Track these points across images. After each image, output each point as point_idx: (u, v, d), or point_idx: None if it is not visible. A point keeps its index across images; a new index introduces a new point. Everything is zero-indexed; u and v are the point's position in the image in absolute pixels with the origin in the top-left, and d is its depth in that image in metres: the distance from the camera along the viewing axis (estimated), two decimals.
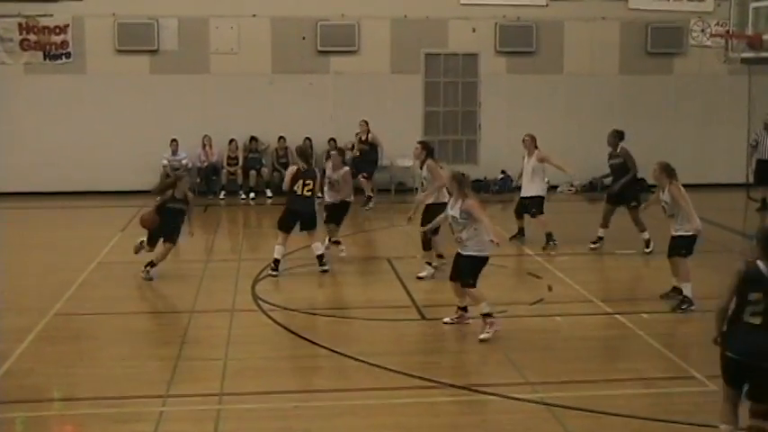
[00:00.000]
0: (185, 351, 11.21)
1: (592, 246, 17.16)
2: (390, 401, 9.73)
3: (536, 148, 17.61)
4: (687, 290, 12.99)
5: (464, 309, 12.22)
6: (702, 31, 25.81)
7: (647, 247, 16.79)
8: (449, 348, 11.88)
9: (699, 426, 8.95)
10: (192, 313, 13.01)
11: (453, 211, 11.73)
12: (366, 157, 23.53)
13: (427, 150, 15.02)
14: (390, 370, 10.59)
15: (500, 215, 22.39)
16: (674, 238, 13.21)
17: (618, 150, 17.13)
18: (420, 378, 10.31)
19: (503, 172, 24.95)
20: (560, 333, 12.17)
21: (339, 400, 9.70)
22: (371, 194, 22.56)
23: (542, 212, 17.53)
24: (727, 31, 20.44)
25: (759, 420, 7.93)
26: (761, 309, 7.61)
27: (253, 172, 24.46)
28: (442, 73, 25.65)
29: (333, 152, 16.20)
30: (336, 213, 16.39)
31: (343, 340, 11.77)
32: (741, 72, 24.20)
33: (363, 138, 23.49)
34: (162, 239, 15.05)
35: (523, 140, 17.86)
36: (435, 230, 14.26)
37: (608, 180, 18.30)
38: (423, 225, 14.34)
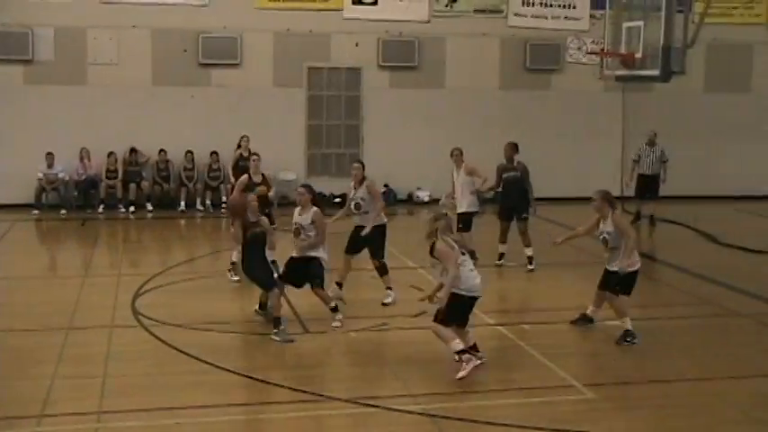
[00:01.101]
0: (61, 369, 10.87)
1: (497, 263, 17.11)
2: (274, 416, 9.69)
3: (463, 161, 17.05)
4: (628, 323, 12.18)
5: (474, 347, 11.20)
6: (579, 48, 26.29)
7: (530, 263, 16.91)
8: (332, 362, 11.87)
9: None
10: (68, 330, 12.65)
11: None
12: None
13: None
14: (274, 384, 10.49)
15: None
16: (611, 273, 12.33)
17: (515, 164, 17.16)
18: (304, 392, 10.23)
19: (386, 185, 24.94)
20: (442, 345, 12.17)
21: (222, 416, 9.55)
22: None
23: (469, 230, 16.86)
24: (602, 50, 20.77)
25: None
26: None
27: (132, 185, 23.98)
28: (325, 87, 25.61)
29: (300, 188, 13.39)
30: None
31: (225, 355, 11.58)
32: (615, 89, 24.78)
33: (245, 154, 22.82)
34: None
35: (452, 154, 17.13)
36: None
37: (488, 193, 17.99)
38: (377, 249, 14.11)
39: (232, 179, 21.12)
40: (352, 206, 14.22)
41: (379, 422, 9.63)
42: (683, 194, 24.32)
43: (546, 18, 26.49)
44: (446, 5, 25.82)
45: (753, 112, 27.23)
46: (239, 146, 22.20)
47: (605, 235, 12.15)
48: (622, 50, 19.53)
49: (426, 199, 24.58)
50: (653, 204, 22.34)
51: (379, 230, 14.08)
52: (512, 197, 17.07)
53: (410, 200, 25.10)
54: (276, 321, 12.16)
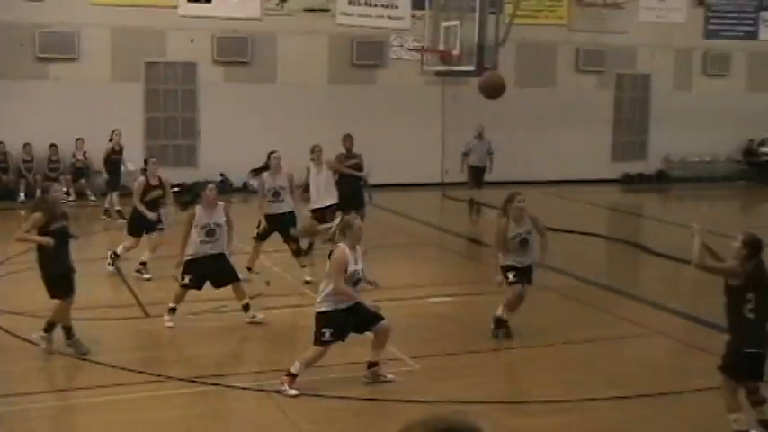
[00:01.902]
0: None
1: None
2: (119, 398, 9.63)
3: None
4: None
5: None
6: (401, 46, 26.69)
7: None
8: (174, 343, 11.86)
9: (405, 401, 9.36)
10: None
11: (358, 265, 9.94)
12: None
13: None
14: (118, 367, 10.43)
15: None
16: (530, 267, 11.77)
17: (354, 151, 17.33)
18: (147, 373, 10.21)
19: (222, 174, 24.89)
20: (277, 324, 12.31)
21: (66, 400, 9.47)
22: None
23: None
24: (423, 47, 21.19)
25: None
26: None
27: None
28: (162, 81, 25.31)
29: (210, 186, 12.68)
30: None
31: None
32: (435, 83, 25.22)
33: (117, 148, 21.57)
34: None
35: (313, 150, 16.39)
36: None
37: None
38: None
39: (105, 174, 20.92)
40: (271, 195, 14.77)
41: (222, 399, 9.73)
42: (500, 180, 24.80)
43: (371, 17, 26.78)
44: (277, 4, 25.84)
45: (557, 105, 28.24)
46: (111, 139, 21.39)
47: (524, 236, 11.50)
48: (441, 48, 19.99)
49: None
50: (480, 192, 22.34)
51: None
52: (352, 186, 17.10)
53: (245, 188, 25.07)
54: (51, 326, 10.88)
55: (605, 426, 9.24)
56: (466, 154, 22.42)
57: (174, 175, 24.30)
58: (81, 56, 24.26)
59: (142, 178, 15.42)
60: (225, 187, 24.73)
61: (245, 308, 12.28)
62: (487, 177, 22.15)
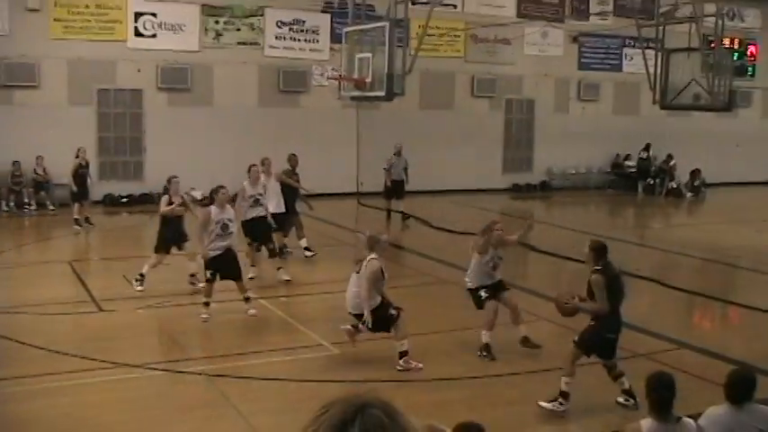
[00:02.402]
0: None
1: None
2: (73, 383, 9.44)
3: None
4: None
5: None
6: (321, 74, 26.66)
7: (309, 251, 16.74)
8: (123, 335, 11.58)
9: (327, 382, 9.36)
10: None
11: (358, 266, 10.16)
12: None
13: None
14: (72, 355, 10.23)
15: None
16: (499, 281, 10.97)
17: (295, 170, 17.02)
18: (99, 360, 10.05)
19: (165, 187, 24.46)
20: (216, 317, 12.17)
21: (25, 386, 9.25)
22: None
23: (284, 229, 16.08)
24: (340, 75, 21.17)
25: None
26: None
27: None
28: (112, 105, 24.89)
29: (222, 189, 12.41)
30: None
31: (28, 333, 11.16)
32: (351, 106, 25.26)
33: (83, 163, 20.62)
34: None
35: (263, 163, 15.67)
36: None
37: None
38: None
39: (74, 187, 19.97)
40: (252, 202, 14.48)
41: (166, 382, 9.64)
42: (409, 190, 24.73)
43: (294, 50, 26.72)
44: (213, 39, 25.62)
45: (456, 125, 28.49)
46: (77, 156, 20.45)
47: (496, 260, 10.75)
48: (355, 76, 19.99)
49: (199, 197, 24.29)
50: (402, 202, 22.17)
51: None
52: (292, 197, 16.60)
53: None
54: None
55: (502, 398, 9.36)
56: (387, 169, 22.04)
57: (122, 188, 24.27)
58: (41, 83, 23.72)
59: (166, 196, 14.34)
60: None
61: (246, 300, 12.25)
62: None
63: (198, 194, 23.63)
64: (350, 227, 21.27)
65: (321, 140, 26.30)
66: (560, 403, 8.76)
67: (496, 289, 10.79)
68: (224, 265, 12.06)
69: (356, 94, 20.72)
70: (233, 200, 13.77)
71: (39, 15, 23.42)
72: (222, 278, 12.15)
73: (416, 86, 25.88)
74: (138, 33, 24.69)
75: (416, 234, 20.62)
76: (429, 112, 28.20)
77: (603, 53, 32.03)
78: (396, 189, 22.08)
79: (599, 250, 8.83)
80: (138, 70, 24.77)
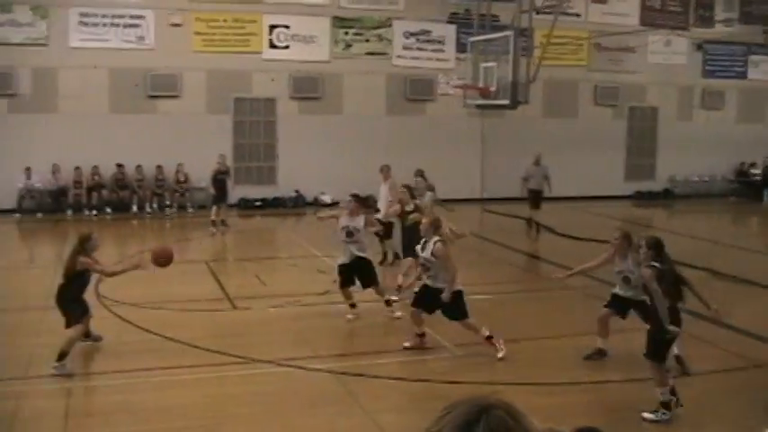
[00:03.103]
0: (39, 340, 10.62)
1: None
2: (213, 375, 9.68)
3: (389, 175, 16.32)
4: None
5: (422, 335, 10.77)
6: (447, 83, 26.62)
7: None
8: (256, 332, 11.79)
9: (450, 383, 9.29)
10: (44, 309, 12.38)
11: (425, 253, 10.30)
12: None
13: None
14: (210, 350, 10.50)
15: (295, 225, 22.54)
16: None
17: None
18: (235, 356, 10.27)
19: (296, 191, 25.10)
20: (343, 317, 12.27)
21: (169, 376, 9.54)
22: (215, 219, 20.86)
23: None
24: (465, 84, 21.12)
25: None
26: None
27: (95, 193, 23.61)
28: (247, 113, 25.51)
29: (349, 197, 12.40)
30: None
31: (170, 328, 11.51)
32: (476, 114, 25.17)
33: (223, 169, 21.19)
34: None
35: (381, 169, 16.24)
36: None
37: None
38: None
39: (212, 190, 20.62)
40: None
41: (296, 378, 9.75)
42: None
43: (421, 59, 26.80)
44: (343, 49, 25.95)
45: (579, 133, 28.01)
46: (218, 162, 20.87)
47: (628, 274, 10.07)
48: (480, 85, 19.92)
49: (329, 201, 24.66)
50: (538, 212, 20.85)
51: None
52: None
53: (316, 202, 25.16)
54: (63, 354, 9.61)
55: (623, 404, 9.13)
56: (525, 179, 20.66)
57: (256, 191, 24.84)
58: (182, 93, 24.54)
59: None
60: (299, 201, 24.96)
61: (387, 303, 12.24)
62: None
63: (327, 199, 24.02)
64: (475, 233, 21.11)
65: (445, 147, 26.28)
66: (663, 413, 8.44)
67: (625, 305, 10.22)
68: (356, 271, 12.07)
69: (481, 102, 20.65)
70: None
71: (181, 30, 24.25)
72: (363, 286, 12.18)
73: (540, 95, 25.61)
74: (272, 45, 25.25)
75: (542, 240, 20.24)
76: (552, 120, 27.83)
77: (728, 60, 30.90)
78: (532, 198, 20.71)
79: (656, 247, 8.58)
80: (272, 80, 25.30)
